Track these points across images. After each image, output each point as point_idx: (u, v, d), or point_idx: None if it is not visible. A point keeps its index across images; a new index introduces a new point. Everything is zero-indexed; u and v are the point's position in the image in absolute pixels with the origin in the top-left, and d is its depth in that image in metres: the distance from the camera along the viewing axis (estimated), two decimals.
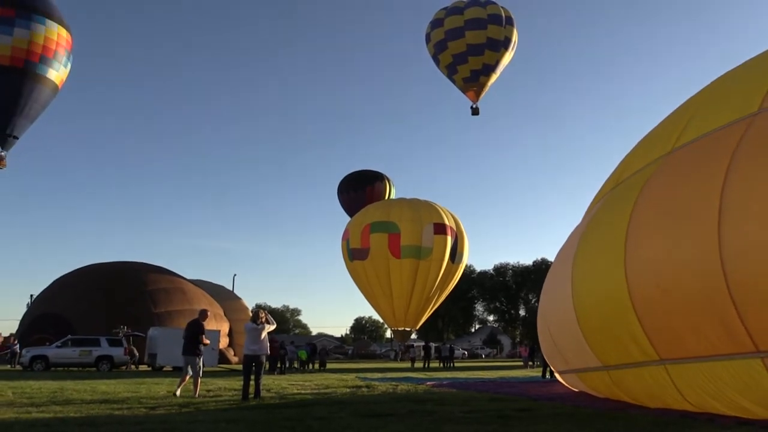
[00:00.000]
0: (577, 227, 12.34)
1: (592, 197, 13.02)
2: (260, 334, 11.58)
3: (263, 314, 11.94)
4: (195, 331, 12.50)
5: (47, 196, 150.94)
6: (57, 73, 28.60)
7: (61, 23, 28.54)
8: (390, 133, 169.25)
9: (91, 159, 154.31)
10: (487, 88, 36.94)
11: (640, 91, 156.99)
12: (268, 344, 12.15)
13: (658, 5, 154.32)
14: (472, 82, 36.11)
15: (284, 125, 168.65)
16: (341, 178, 52.14)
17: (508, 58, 36.27)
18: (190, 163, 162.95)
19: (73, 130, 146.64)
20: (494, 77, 36.49)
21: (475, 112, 37.39)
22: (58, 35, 28.17)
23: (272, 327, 11.94)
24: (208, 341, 12.99)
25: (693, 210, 7.98)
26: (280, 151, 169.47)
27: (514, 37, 36.07)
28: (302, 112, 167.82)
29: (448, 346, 40.96)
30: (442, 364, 36.22)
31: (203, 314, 13.19)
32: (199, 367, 12.44)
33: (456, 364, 38.17)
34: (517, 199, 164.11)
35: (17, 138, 29.11)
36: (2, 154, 28.95)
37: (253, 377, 11.57)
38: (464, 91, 36.99)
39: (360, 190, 49.21)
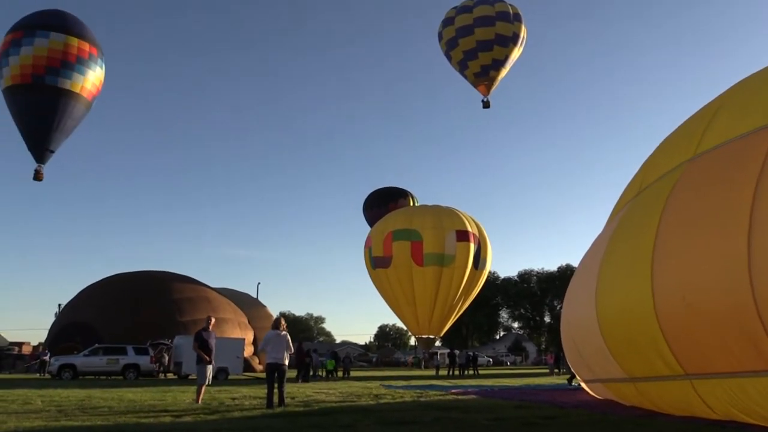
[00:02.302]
0: (601, 234, 12.14)
1: (616, 201, 12.86)
2: (283, 341, 11.56)
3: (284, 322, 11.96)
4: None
5: (75, 207, 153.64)
6: (72, 81, 28.41)
7: (70, 33, 28.45)
8: (413, 140, 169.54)
9: (118, 170, 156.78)
10: (497, 83, 37.90)
11: (666, 94, 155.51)
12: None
13: (678, 8, 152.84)
14: (483, 76, 37.06)
15: (311, 134, 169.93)
16: (365, 189, 52.81)
17: (517, 53, 37.13)
18: (215, 172, 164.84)
19: (100, 140, 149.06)
20: (504, 72, 37.39)
21: (486, 105, 38.16)
22: (65, 45, 28.09)
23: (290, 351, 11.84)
24: (202, 353, 12.28)
25: (721, 221, 7.68)
26: (305, 160, 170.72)
27: (522, 33, 36.91)
28: (330, 120, 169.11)
29: (466, 353, 40.78)
30: (459, 372, 36.05)
31: (206, 321, 13.10)
32: (207, 376, 12.38)
33: (480, 372, 37.96)
34: (541, 204, 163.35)
35: (53, 152, 29.35)
36: (39, 167, 29.31)
37: (276, 385, 11.54)
38: (475, 85, 37.94)
39: (383, 206, 49.68)
